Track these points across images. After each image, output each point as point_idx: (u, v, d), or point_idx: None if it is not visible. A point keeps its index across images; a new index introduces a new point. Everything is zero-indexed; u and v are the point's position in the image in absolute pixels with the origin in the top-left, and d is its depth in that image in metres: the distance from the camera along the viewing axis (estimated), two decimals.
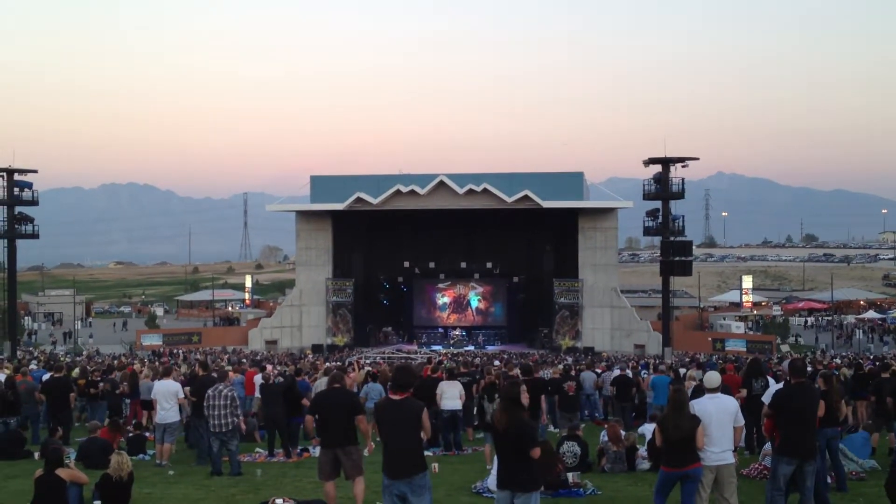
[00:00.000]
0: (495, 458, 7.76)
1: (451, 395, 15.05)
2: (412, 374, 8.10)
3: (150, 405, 15.69)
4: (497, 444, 7.26)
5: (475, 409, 17.06)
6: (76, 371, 20.08)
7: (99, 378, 18.49)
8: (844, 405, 11.45)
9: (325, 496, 9.14)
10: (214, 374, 15.01)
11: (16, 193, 48.49)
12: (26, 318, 73.44)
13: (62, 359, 33.03)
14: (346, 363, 28.91)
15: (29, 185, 49.30)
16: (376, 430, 7.78)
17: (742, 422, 8.60)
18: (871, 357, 34.99)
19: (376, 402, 9.00)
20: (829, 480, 9.58)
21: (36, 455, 13.73)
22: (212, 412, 12.51)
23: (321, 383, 15.76)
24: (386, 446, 7.57)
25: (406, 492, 7.31)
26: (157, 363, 25.68)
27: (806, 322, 69.03)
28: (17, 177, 48.77)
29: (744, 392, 13.37)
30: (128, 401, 18.44)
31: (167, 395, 13.73)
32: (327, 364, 26.00)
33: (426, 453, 13.02)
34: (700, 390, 10.64)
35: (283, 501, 8.99)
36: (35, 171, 49.70)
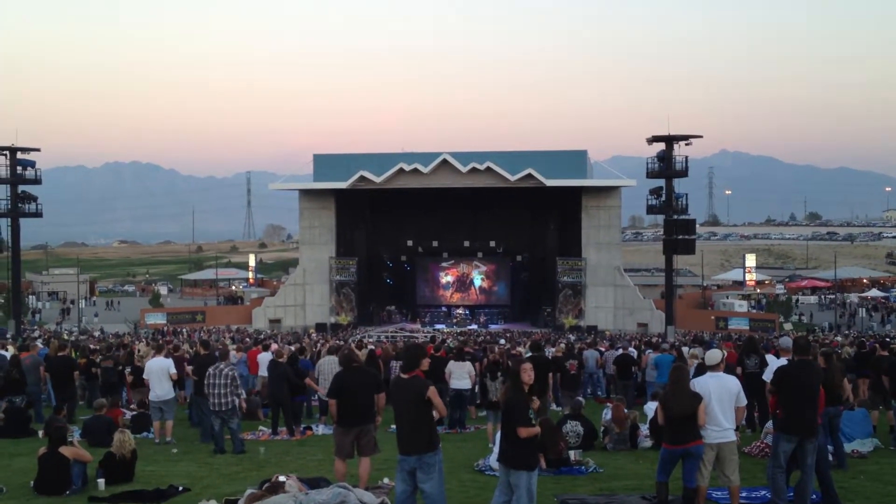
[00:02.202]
0: (497, 435, 7.81)
1: (459, 376, 15.15)
2: (419, 352, 8.12)
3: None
4: (503, 419, 7.39)
5: (477, 387, 17.10)
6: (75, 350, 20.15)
7: (100, 357, 18.55)
8: (847, 383, 11.43)
9: (336, 473, 9.17)
10: (217, 353, 15.03)
11: (19, 172, 48.42)
12: (31, 297, 73.69)
13: (66, 338, 33.10)
14: (351, 342, 28.95)
15: (32, 164, 49.23)
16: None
17: (744, 402, 8.58)
18: (874, 335, 35.05)
19: (391, 380, 9.07)
20: (830, 458, 9.59)
21: (40, 433, 13.79)
22: (212, 391, 12.55)
23: (325, 362, 15.79)
24: (397, 424, 7.78)
25: (416, 468, 7.40)
26: (160, 340, 25.74)
27: (796, 301, 68.65)
28: (20, 155, 48.65)
29: (738, 370, 13.42)
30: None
31: (159, 373, 13.72)
32: (330, 343, 26.06)
33: None
34: (702, 368, 10.66)
35: (287, 478, 9.00)
36: (38, 150, 49.65)
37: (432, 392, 7.63)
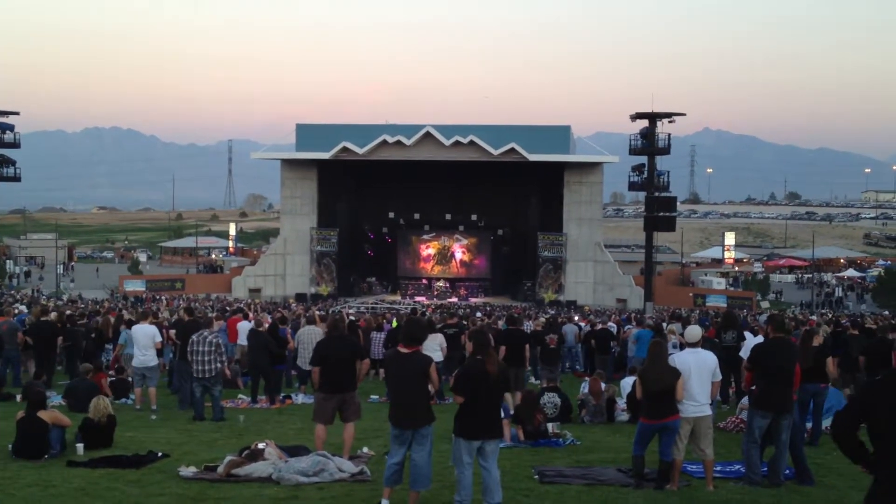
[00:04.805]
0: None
1: (430, 348, 15.11)
2: (423, 327, 8.18)
3: None
4: (482, 392, 7.20)
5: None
6: (53, 315, 20.03)
7: (79, 323, 18.46)
8: (832, 362, 11.57)
9: (316, 439, 9.22)
10: (200, 320, 15.02)
11: None
12: (8, 261, 73.34)
13: (45, 302, 32.94)
14: (330, 312, 28.99)
15: (11, 128, 48.78)
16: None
17: (720, 377, 8.72)
18: (848, 315, 35.46)
19: (385, 354, 9.04)
20: (804, 435, 9.73)
21: (18, 397, 13.75)
22: (196, 358, 12.58)
23: (304, 332, 15.77)
24: (395, 398, 7.67)
25: (412, 441, 7.43)
26: (139, 308, 25.65)
27: (766, 277, 68.78)
28: None
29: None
30: (109, 346, 18.41)
31: (145, 340, 13.71)
32: (308, 313, 26.06)
33: None
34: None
35: (266, 445, 9.06)
36: (17, 113, 49.16)
37: (432, 367, 7.69)
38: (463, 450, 7.19)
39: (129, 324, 17.88)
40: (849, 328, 16.30)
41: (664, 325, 19.96)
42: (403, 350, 7.68)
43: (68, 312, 20.21)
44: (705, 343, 9.61)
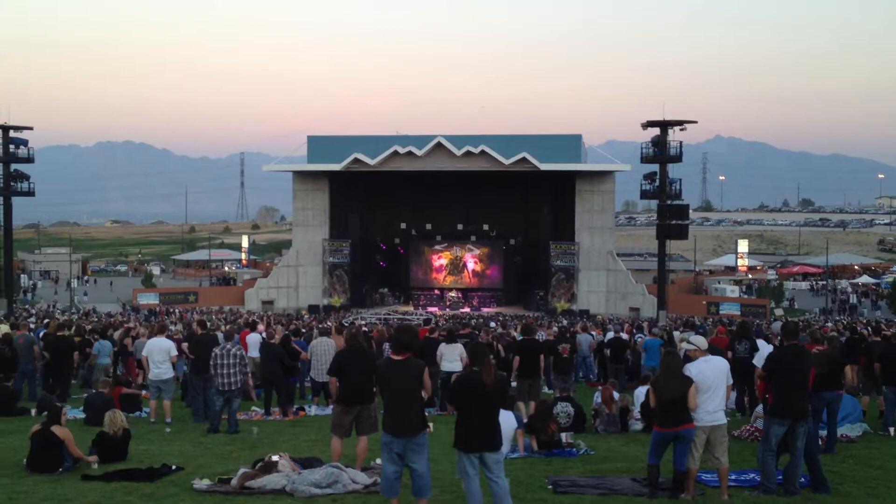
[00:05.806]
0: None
1: (450, 358, 15.12)
2: (413, 334, 8.16)
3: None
4: (477, 404, 7.17)
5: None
6: (72, 329, 20.13)
7: (96, 337, 18.55)
8: (849, 370, 11.52)
9: (332, 452, 9.22)
10: (216, 333, 15.05)
11: (11, 150, 48.26)
12: (23, 275, 73.72)
13: (59, 317, 33.08)
14: (344, 324, 28.99)
15: (25, 143, 49.06)
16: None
17: (731, 380, 8.69)
18: (865, 321, 35.22)
19: (378, 363, 9.01)
20: (819, 443, 9.67)
21: (33, 412, 13.81)
22: (220, 371, 12.58)
23: (318, 343, 15.80)
24: (388, 405, 7.64)
25: (405, 449, 7.41)
26: (153, 321, 25.74)
27: (780, 284, 68.37)
28: (12, 134, 48.49)
29: (728, 354, 13.52)
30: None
31: (160, 353, 13.76)
32: (324, 324, 26.09)
33: None
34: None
35: (280, 457, 9.07)
36: (31, 129, 49.44)
37: (426, 373, 7.67)
38: (465, 462, 7.18)
39: (103, 335, 17.99)
40: (871, 335, 16.16)
41: (676, 333, 19.89)
42: (396, 357, 7.68)
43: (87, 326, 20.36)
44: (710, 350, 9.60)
